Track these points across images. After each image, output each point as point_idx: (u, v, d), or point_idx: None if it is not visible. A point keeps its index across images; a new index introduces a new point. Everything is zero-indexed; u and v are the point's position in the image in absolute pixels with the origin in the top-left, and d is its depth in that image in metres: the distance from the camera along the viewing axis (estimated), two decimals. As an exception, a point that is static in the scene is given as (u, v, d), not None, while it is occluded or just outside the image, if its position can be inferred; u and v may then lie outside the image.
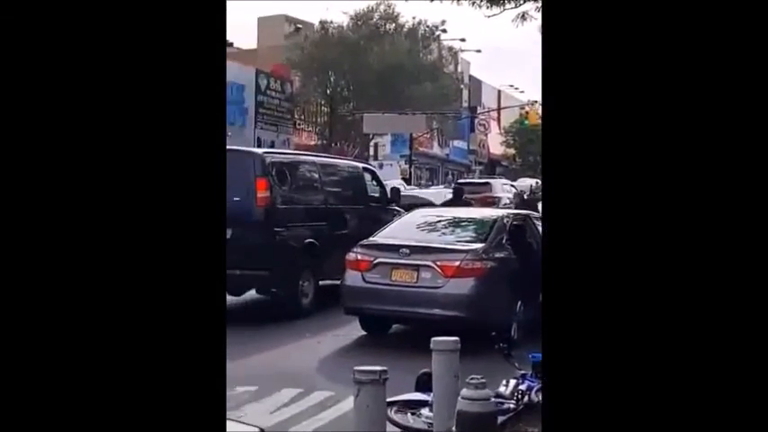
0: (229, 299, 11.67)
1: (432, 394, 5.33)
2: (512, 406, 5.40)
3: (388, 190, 14.00)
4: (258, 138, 35.88)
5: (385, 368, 4.43)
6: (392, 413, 5.41)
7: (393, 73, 39.40)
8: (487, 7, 11.13)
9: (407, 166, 42.15)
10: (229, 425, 3.02)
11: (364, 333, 9.64)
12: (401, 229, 9.85)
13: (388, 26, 43.43)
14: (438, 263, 8.74)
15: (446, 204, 14.54)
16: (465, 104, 54.78)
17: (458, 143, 58.06)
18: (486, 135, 59.45)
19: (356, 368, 4.43)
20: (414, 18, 43.65)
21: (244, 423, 2.98)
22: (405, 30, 42.93)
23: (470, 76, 57.40)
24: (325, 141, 41.26)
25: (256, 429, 2.84)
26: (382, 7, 43.18)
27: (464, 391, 4.38)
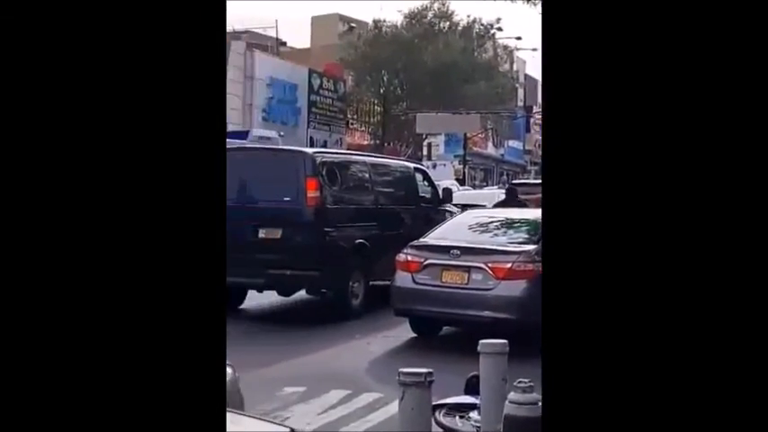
0: (279, 299, 11.76)
1: (480, 397, 5.29)
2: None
3: (440, 190, 13.95)
4: (311, 137, 36.08)
5: (430, 370, 4.41)
6: (440, 416, 5.38)
7: (447, 72, 39.30)
8: (543, 5, 11.03)
9: (461, 166, 42.02)
10: (260, 424, 3.03)
11: (414, 335, 9.62)
12: (452, 230, 9.82)
13: (442, 24, 43.35)
14: (489, 264, 8.69)
15: (499, 205, 14.45)
16: (520, 104, 54.46)
17: (513, 143, 57.74)
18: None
19: (401, 370, 4.42)
20: (468, 16, 43.59)
21: (274, 423, 2.98)
22: (459, 28, 42.83)
23: (526, 76, 57.05)
24: (377, 141, 41.33)
25: (287, 429, 2.84)
26: (437, 5, 43.13)
27: (511, 395, 4.33)
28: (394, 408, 5.83)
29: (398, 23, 42.68)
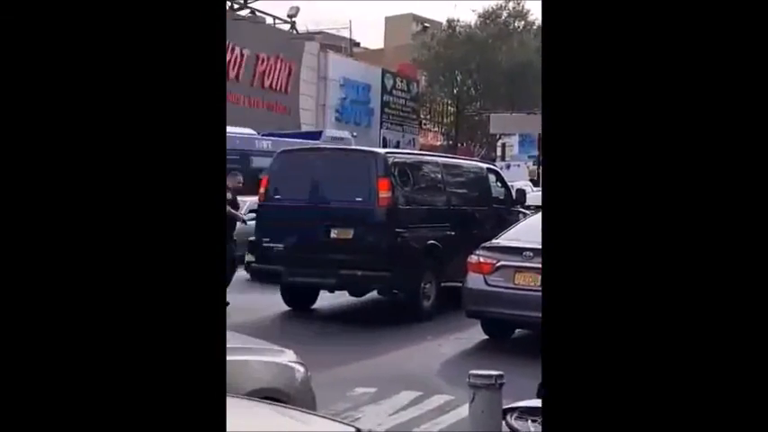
0: (350, 300, 11.84)
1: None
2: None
3: (513, 191, 13.86)
4: (383, 138, 36.19)
5: (501, 373, 4.39)
6: (511, 419, 5.35)
7: (522, 72, 39.00)
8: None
9: (535, 167, 41.66)
10: (326, 423, 3.06)
11: (486, 337, 9.58)
12: (525, 232, 9.73)
13: (516, 24, 43.06)
14: (563, 266, 8.59)
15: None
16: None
17: (589, 143, 56.91)
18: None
19: (472, 372, 4.41)
20: (543, 15, 43.04)
21: (343, 422, 3.00)
22: (534, 27, 42.42)
23: (603, 74, 56.15)
24: (450, 142, 41.26)
25: (353, 429, 2.86)
26: (511, 5, 42.88)
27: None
28: (464, 410, 5.82)
29: (472, 23, 42.57)
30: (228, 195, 11.12)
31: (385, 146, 32.06)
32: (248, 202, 13.47)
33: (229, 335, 5.68)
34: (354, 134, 26.57)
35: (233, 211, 11.15)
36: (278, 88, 31.30)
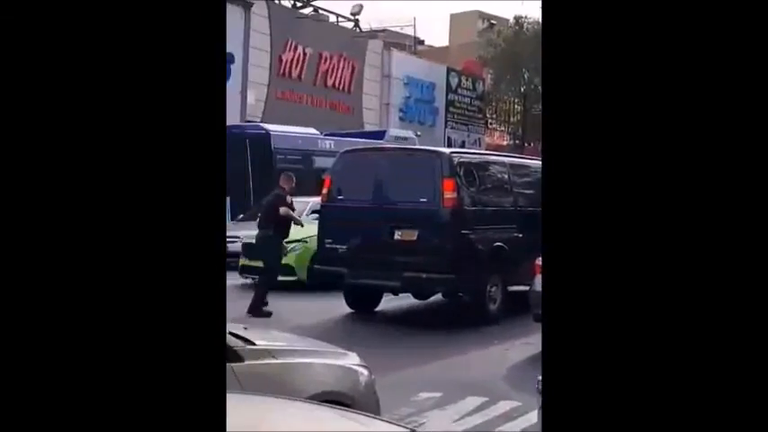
0: (414, 302, 11.83)
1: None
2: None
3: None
4: (448, 137, 36.11)
5: (571, 379, 4.33)
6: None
7: (591, 69, 38.50)
8: None
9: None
10: (389, 426, 3.05)
11: (554, 342, 9.47)
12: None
13: (586, 19, 42.51)
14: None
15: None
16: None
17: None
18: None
19: (540, 378, 4.36)
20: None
21: (406, 427, 2.99)
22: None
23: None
24: (517, 141, 40.97)
25: (407, 430, 2.85)
26: (580, 0, 42.34)
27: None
28: (533, 417, 5.77)
29: (540, 20, 42.22)
30: (288, 199, 11.22)
31: (450, 146, 31.99)
32: (310, 202, 13.57)
33: (292, 337, 5.74)
34: (418, 133, 26.59)
35: (291, 212, 11.22)
36: (341, 87, 31.46)
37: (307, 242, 12.76)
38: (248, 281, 13.15)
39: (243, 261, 13.37)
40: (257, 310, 10.70)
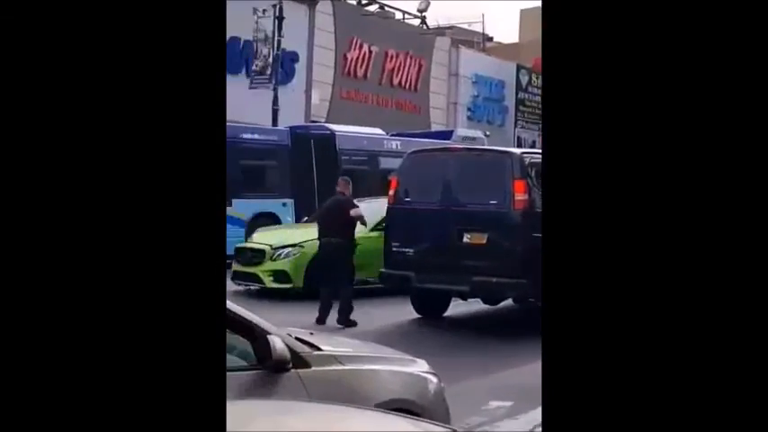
0: (483, 307, 11.76)
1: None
2: None
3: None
4: (518, 137, 35.91)
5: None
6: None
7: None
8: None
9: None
10: (425, 425, 3.03)
11: (630, 350, 9.34)
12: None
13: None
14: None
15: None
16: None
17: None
18: None
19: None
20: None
21: (438, 424, 2.98)
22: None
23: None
24: (590, 141, 40.56)
25: (450, 430, 2.82)
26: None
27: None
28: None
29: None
30: (356, 202, 11.22)
31: (520, 145, 31.82)
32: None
33: (359, 343, 5.73)
34: (487, 133, 26.44)
35: (359, 212, 11.19)
36: (407, 86, 31.50)
37: (303, 247, 12.47)
38: (240, 287, 12.92)
39: (236, 267, 12.98)
40: (346, 319, 10.64)
